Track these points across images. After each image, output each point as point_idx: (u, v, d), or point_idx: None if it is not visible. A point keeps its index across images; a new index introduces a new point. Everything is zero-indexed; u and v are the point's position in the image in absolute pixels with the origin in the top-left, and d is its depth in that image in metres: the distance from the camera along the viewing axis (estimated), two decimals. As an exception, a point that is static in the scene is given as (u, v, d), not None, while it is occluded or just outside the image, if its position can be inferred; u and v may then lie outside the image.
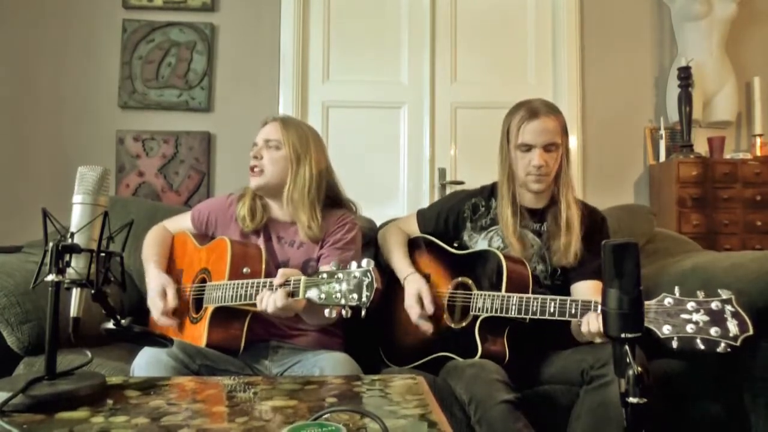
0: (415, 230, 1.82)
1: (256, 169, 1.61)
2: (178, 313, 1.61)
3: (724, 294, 1.06)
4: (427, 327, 1.60)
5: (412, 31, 3.12)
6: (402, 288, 1.70)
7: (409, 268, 1.68)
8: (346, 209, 1.71)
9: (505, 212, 1.63)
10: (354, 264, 1.14)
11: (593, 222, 1.65)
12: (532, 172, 1.59)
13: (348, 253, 1.57)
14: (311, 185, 1.60)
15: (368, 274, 1.12)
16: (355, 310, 1.16)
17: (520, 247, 1.61)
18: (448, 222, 1.76)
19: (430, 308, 1.58)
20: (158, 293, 1.55)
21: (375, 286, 1.11)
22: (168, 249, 1.75)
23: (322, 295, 1.17)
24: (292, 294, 1.28)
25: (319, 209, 1.61)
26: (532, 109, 1.59)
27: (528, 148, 1.58)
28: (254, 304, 1.39)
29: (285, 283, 1.30)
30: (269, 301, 1.31)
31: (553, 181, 1.64)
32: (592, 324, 1.33)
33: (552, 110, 1.61)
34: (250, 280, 1.40)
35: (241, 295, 1.41)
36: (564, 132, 1.62)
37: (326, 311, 1.16)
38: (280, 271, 1.33)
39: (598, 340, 1.42)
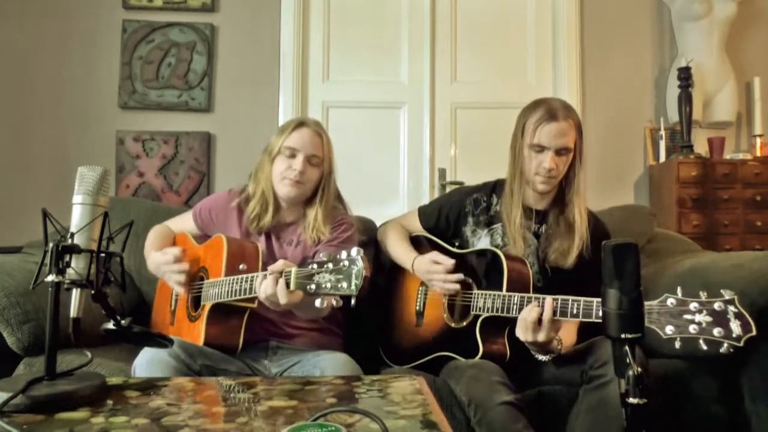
0: (415, 227, 1.82)
1: (298, 182, 1.58)
2: (178, 312, 1.61)
3: (727, 294, 1.05)
4: (452, 286, 1.58)
5: (412, 31, 3.12)
6: (402, 288, 1.70)
7: (412, 253, 1.70)
8: (341, 209, 1.72)
9: (514, 211, 1.62)
10: (344, 253, 1.14)
11: (596, 235, 1.61)
12: (542, 173, 1.58)
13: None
14: (334, 195, 1.67)
15: (357, 262, 1.12)
16: (345, 299, 1.16)
17: (522, 245, 1.60)
18: (449, 217, 1.76)
19: (449, 262, 1.58)
20: (169, 256, 1.54)
21: (364, 274, 1.11)
22: (170, 243, 1.75)
23: (312, 285, 1.16)
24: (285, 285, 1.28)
25: (329, 210, 1.64)
26: (550, 111, 1.57)
27: (541, 149, 1.57)
28: (251, 300, 1.39)
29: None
30: (260, 290, 1.31)
31: (559, 183, 1.63)
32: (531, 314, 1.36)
33: (570, 112, 1.59)
34: (246, 275, 1.40)
35: (236, 290, 1.41)
36: (579, 135, 1.60)
37: (317, 302, 1.16)
38: (280, 261, 1.33)
39: (541, 357, 1.45)
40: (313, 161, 1.60)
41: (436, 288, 1.61)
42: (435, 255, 1.62)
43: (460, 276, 1.58)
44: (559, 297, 1.39)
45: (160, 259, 1.56)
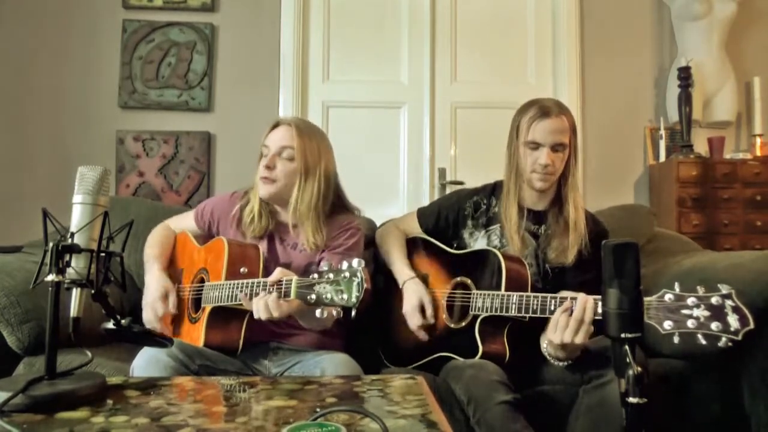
0: (414, 229, 1.82)
1: (267, 179, 1.57)
2: (178, 314, 1.61)
3: (724, 289, 1.05)
4: (423, 335, 1.61)
5: (412, 31, 3.12)
6: (401, 289, 1.70)
7: (407, 272, 1.68)
8: (350, 214, 1.70)
9: (510, 210, 1.62)
10: (345, 264, 1.14)
11: (595, 234, 1.62)
12: (538, 170, 1.58)
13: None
14: (318, 199, 1.58)
15: (358, 274, 1.12)
16: (346, 310, 1.16)
17: (520, 245, 1.60)
18: (448, 219, 1.76)
19: (431, 319, 1.60)
20: (161, 296, 1.55)
21: (364, 286, 1.11)
22: (170, 248, 1.75)
23: (313, 296, 1.17)
24: (285, 294, 1.28)
25: (323, 219, 1.60)
26: (543, 108, 1.58)
27: (536, 146, 1.58)
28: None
29: (278, 283, 1.30)
30: (261, 308, 1.32)
31: (557, 181, 1.64)
32: (560, 324, 1.33)
33: (563, 110, 1.60)
34: (247, 280, 1.40)
35: (236, 295, 1.40)
36: (573, 132, 1.61)
37: (317, 312, 1.16)
38: (277, 270, 1.34)
39: (560, 363, 1.42)
40: (284, 154, 1.56)
41: (409, 325, 1.62)
42: (426, 299, 1.60)
43: (425, 335, 1.60)
44: (558, 295, 1.38)
45: (156, 293, 1.57)
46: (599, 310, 1.30)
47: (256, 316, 1.34)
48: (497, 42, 3.15)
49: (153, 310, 1.56)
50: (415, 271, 1.69)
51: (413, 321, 1.61)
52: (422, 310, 1.60)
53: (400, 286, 1.67)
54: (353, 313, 1.14)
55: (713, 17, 3.02)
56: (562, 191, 1.64)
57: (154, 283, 1.60)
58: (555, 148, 1.57)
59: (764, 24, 3.20)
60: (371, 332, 1.78)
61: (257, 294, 1.35)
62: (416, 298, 1.61)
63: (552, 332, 1.35)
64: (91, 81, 2.97)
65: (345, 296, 1.12)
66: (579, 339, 1.31)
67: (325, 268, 1.17)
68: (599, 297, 1.32)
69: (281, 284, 1.29)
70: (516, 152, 1.63)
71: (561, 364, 1.43)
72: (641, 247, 1.74)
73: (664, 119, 3.07)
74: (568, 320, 1.32)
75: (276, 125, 1.62)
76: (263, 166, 1.57)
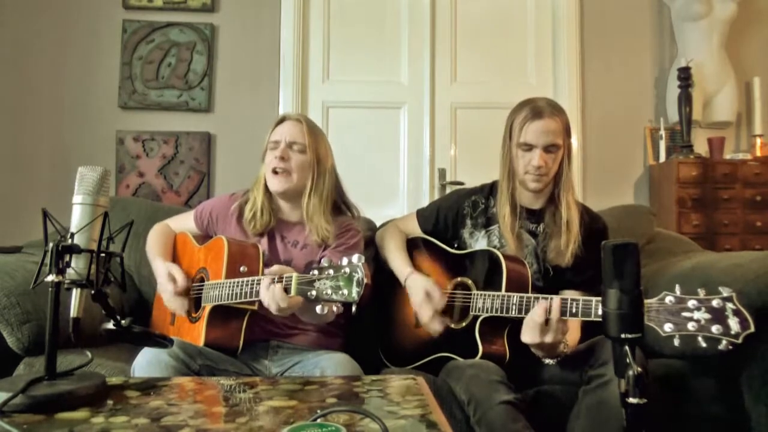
0: (414, 230, 1.82)
1: (281, 171, 1.57)
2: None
3: (725, 291, 1.05)
4: (438, 326, 1.56)
5: (412, 31, 3.12)
6: (402, 288, 1.70)
7: (408, 268, 1.67)
8: (350, 216, 1.71)
9: (503, 209, 1.63)
10: (344, 260, 1.15)
11: (593, 230, 1.62)
12: (531, 171, 1.58)
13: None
14: (331, 191, 1.62)
15: (358, 269, 1.13)
16: (346, 305, 1.16)
17: (516, 245, 1.60)
18: (447, 219, 1.76)
19: (441, 303, 1.56)
20: (166, 277, 1.56)
21: (365, 281, 1.12)
22: (171, 245, 1.75)
23: (313, 292, 1.17)
24: (285, 291, 1.29)
25: (330, 212, 1.62)
26: (535, 109, 1.57)
27: (529, 147, 1.58)
28: (251, 303, 1.39)
29: (278, 280, 1.30)
30: (271, 302, 1.32)
31: (552, 181, 1.63)
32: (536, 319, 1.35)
33: (556, 110, 1.59)
34: (247, 279, 1.41)
35: (237, 293, 1.41)
36: (566, 133, 1.61)
37: (318, 308, 1.17)
38: (273, 268, 1.34)
39: (548, 361, 1.43)
40: (295, 147, 1.59)
41: (420, 320, 1.60)
42: (430, 287, 1.57)
43: (440, 325, 1.56)
44: (569, 297, 1.38)
45: (162, 277, 1.57)
46: (599, 312, 1.30)
47: (266, 303, 1.34)
48: (497, 42, 3.15)
49: (165, 291, 1.56)
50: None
51: (424, 312, 1.56)
52: (430, 299, 1.57)
53: (403, 284, 1.66)
54: (354, 308, 1.14)
55: (713, 17, 3.02)
56: (556, 192, 1.64)
57: (158, 270, 1.61)
58: (548, 149, 1.57)
59: (764, 24, 3.20)
60: (371, 332, 1.78)
61: (257, 292, 1.36)
62: (422, 289, 1.58)
63: (524, 334, 1.39)
64: (91, 81, 2.97)
65: (345, 292, 1.13)
66: (548, 338, 1.36)
67: (325, 265, 1.17)
68: (567, 297, 1.37)
69: (281, 280, 1.30)
70: (509, 153, 1.63)
71: (550, 362, 1.45)
72: (641, 247, 1.73)
73: (664, 119, 3.07)
74: (532, 322, 1.37)
75: (282, 120, 1.64)
76: (276, 158, 1.57)
